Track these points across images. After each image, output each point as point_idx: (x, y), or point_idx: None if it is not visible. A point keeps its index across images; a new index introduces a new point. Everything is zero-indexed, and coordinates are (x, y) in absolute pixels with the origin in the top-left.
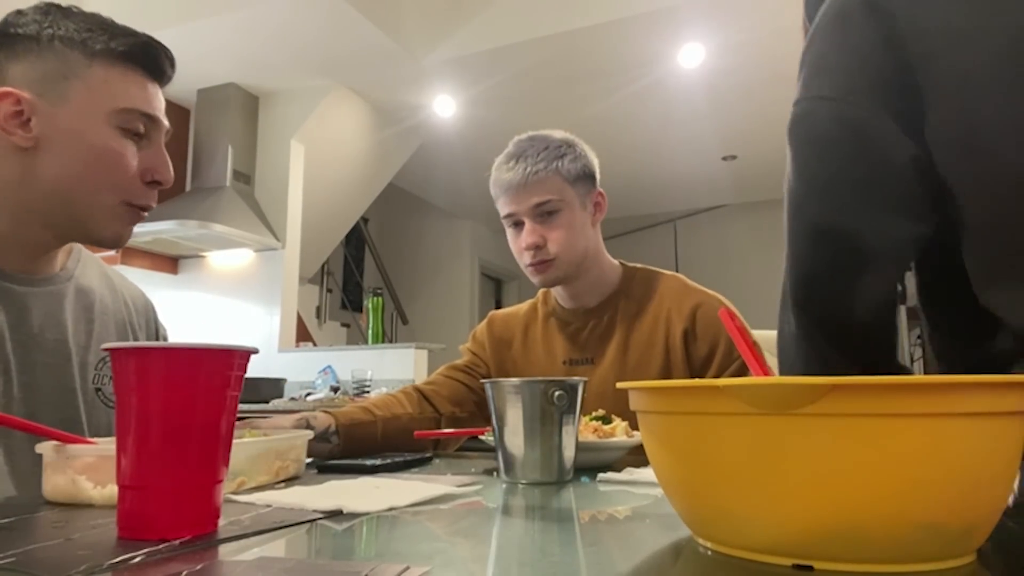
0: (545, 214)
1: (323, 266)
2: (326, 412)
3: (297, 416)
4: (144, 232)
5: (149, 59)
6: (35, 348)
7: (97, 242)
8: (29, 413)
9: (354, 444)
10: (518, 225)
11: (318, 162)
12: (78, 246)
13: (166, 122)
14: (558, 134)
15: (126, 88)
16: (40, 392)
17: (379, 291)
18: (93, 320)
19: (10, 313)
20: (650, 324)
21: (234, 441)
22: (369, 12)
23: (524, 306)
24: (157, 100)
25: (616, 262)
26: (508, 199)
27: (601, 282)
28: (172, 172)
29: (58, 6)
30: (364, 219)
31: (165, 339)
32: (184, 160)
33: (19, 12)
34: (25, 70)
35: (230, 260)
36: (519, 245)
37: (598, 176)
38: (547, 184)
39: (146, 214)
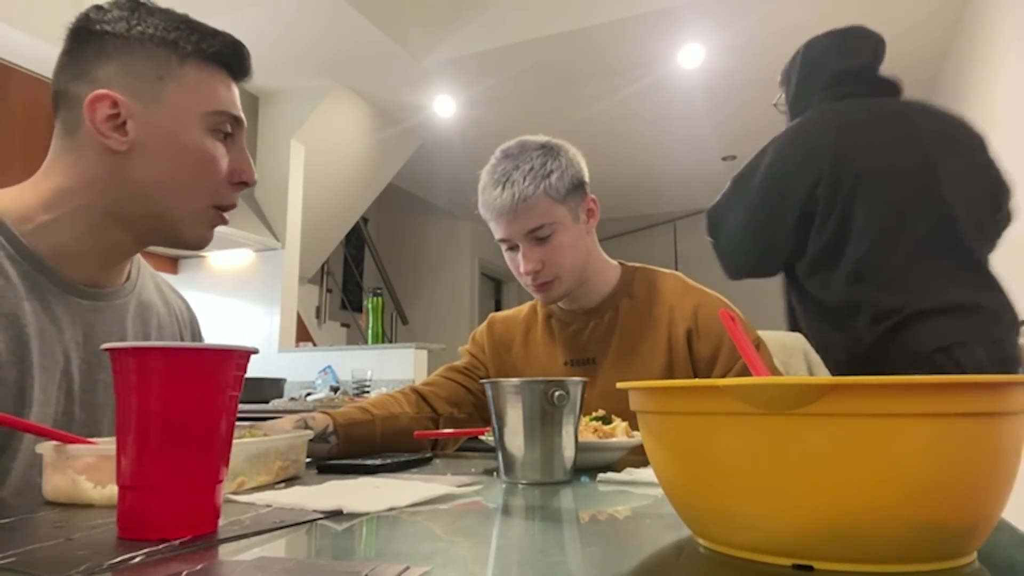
0: (539, 238)
1: (323, 266)
2: (324, 412)
3: (296, 417)
4: None
5: (237, 60)
6: (97, 366)
7: (181, 244)
8: (91, 434)
9: (352, 444)
10: (514, 248)
11: (318, 162)
12: (140, 257)
13: (246, 122)
14: (539, 141)
15: (216, 89)
16: (100, 411)
17: (379, 291)
18: (150, 335)
19: (78, 330)
20: (652, 323)
21: (234, 441)
22: (369, 12)
23: (524, 308)
24: (238, 100)
25: (615, 262)
26: (499, 225)
27: (600, 283)
28: (255, 171)
29: (140, 2)
30: (364, 219)
31: (198, 336)
32: None
33: (100, 8)
34: (118, 70)
35: (230, 260)
36: (517, 268)
37: (587, 181)
38: (537, 209)
39: (227, 218)
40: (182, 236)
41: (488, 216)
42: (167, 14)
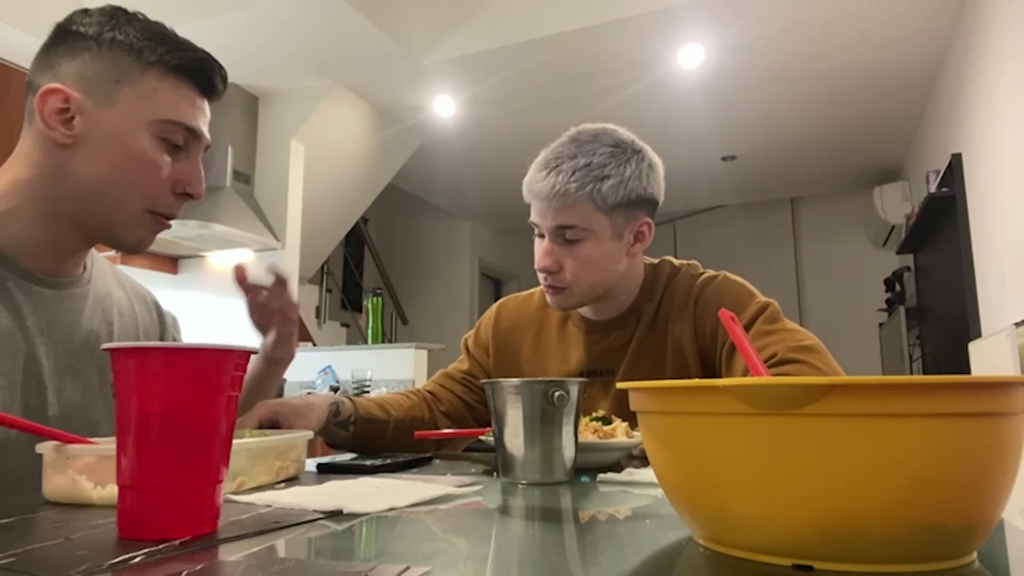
0: (567, 239)
1: (323, 266)
2: (351, 399)
3: (331, 399)
4: None
5: (202, 75)
6: (66, 352)
7: (120, 246)
8: (63, 418)
9: (364, 439)
10: (540, 237)
11: (318, 162)
12: (93, 249)
13: (208, 137)
14: (620, 137)
15: (174, 101)
16: (71, 396)
17: (379, 291)
18: (112, 323)
19: (39, 317)
20: (660, 327)
21: (234, 441)
22: (369, 12)
23: (535, 299)
24: (202, 115)
25: (642, 265)
26: (534, 208)
27: (625, 297)
28: (204, 186)
29: (124, 11)
30: (364, 219)
31: (175, 325)
32: None
33: (85, 11)
34: (78, 68)
35: (230, 260)
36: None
37: (655, 201)
38: (575, 209)
39: (171, 224)
40: (118, 237)
41: (527, 195)
42: (146, 26)
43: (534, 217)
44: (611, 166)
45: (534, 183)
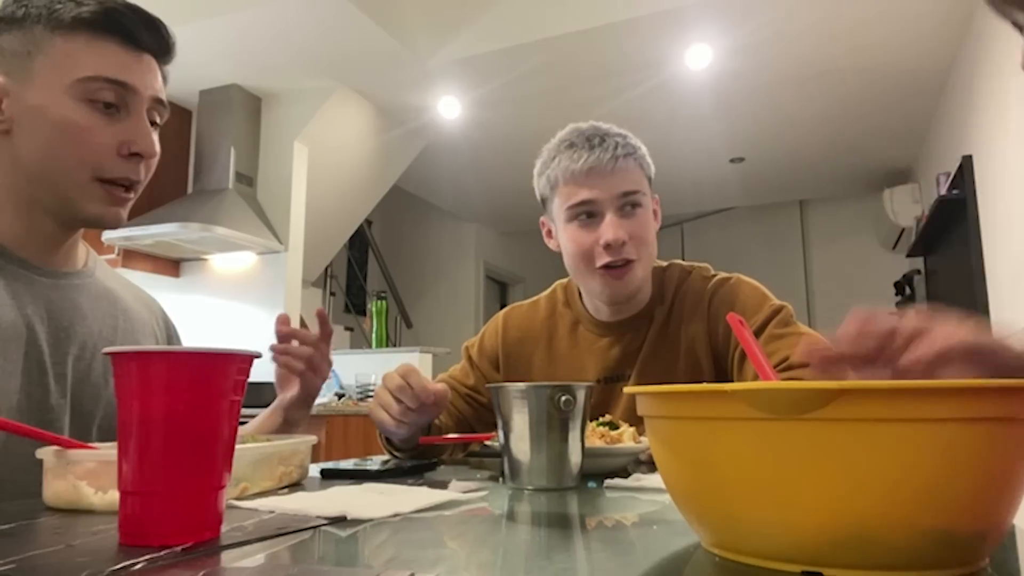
0: (629, 206)
1: (326, 269)
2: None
3: (442, 387)
4: (145, 235)
5: (116, 25)
6: (67, 340)
7: (86, 223)
8: (65, 405)
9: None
10: (592, 216)
11: (321, 164)
12: (92, 251)
13: (150, 92)
14: (615, 130)
15: (91, 57)
16: (76, 386)
17: (383, 294)
18: (118, 316)
19: (39, 304)
20: (673, 330)
21: (237, 446)
22: (373, 12)
23: (541, 305)
24: (136, 68)
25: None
26: (586, 184)
27: (639, 296)
28: (156, 144)
29: None
30: (368, 221)
31: (176, 337)
32: (186, 162)
33: None
34: None
35: (232, 263)
36: (592, 239)
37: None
38: (634, 174)
39: (129, 195)
40: (79, 213)
41: (566, 177)
42: None
43: (587, 194)
44: (638, 142)
45: (583, 159)
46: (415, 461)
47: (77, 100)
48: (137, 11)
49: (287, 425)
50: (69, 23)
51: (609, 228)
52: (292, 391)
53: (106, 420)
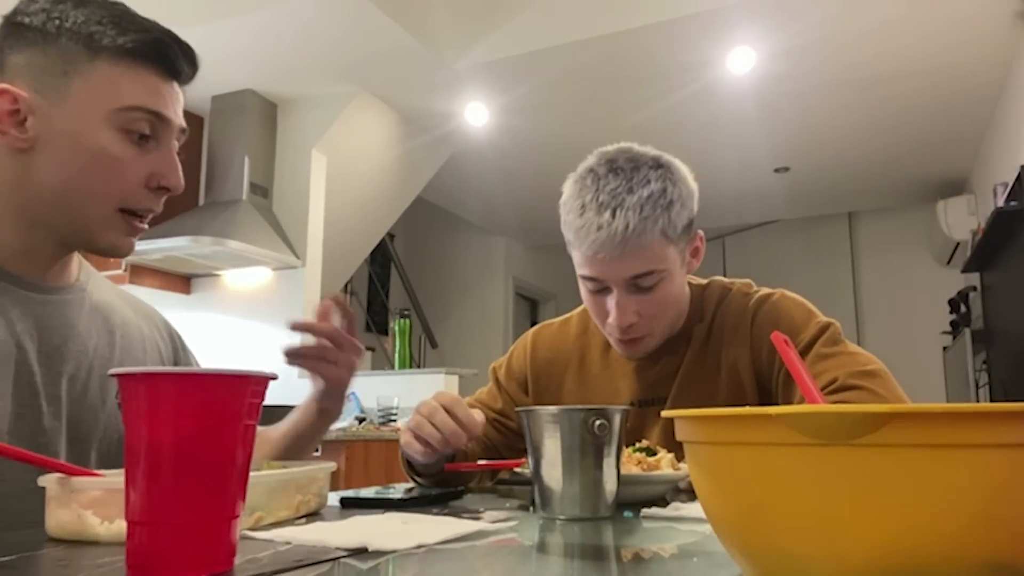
0: (641, 287)
1: (346, 285)
2: None
3: (482, 418)
4: (154, 249)
5: (160, 56)
6: (59, 359)
7: (98, 251)
8: (60, 428)
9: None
10: (603, 291)
11: (341, 174)
12: (86, 263)
13: (180, 121)
14: (652, 154)
15: (131, 85)
16: (70, 407)
17: (406, 312)
18: (114, 332)
19: (28, 322)
20: (713, 350)
21: (252, 473)
22: (396, 13)
23: (573, 325)
24: (169, 98)
25: (687, 283)
26: (592, 261)
27: (679, 318)
28: (182, 178)
29: None
30: (390, 235)
31: (185, 348)
32: (197, 172)
33: None
34: (26, 63)
35: (247, 279)
36: (601, 310)
37: (696, 210)
38: (649, 251)
39: (145, 224)
40: (93, 242)
41: (578, 243)
42: (100, 8)
43: (592, 271)
44: (670, 188)
45: (593, 230)
46: (439, 489)
47: (113, 129)
48: (179, 41)
49: (322, 416)
50: (114, 50)
51: (616, 309)
52: (319, 382)
53: (104, 443)
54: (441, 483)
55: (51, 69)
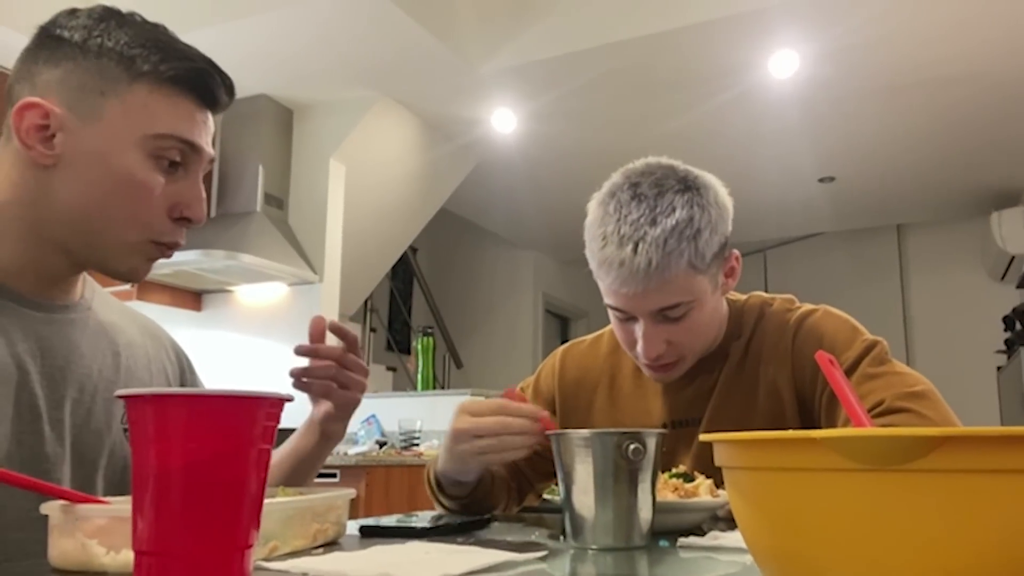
0: (671, 317)
1: (366, 302)
2: None
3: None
4: (163, 264)
5: (201, 86)
6: (63, 381)
7: (112, 275)
8: (63, 453)
9: (480, 495)
10: (629, 319)
11: (361, 184)
12: (91, 279)
13: (210, 151)
14: (679, 173)
15: (169, 114)
16: (74, 431)
17: (429, 330)
18: (120, 354)
19: (31, 342)
20: (751, 367)
21: (266, 500)
22: (418, 14)
23: (604, 343)
24: (203, 128)
25: (724, 299)
26: (617, 293)
27: (716, 338)
28: (205, 210)
29: (117, 13)
30: (413, 248)
31: (192, 371)
32: (208, 182)
33: (73, 12)
34: (60, 78)
35: (261, 295)
36: (629, 338)
37: (731, 229)
38: (675, 283)
39: (172, 254)
40: (111, 266)
41: (600, 275)
42: (140, 31)
43: (618, 302)
44: (697, 216)
45: (615, 264)
46: (464, 517)
47: (144, 154)
48: (220, 72)
49: (326, 440)
50: (154, 76)
51: (643, 340)
52: (324, 405)
53: (110, 469)
54: (469, 508)
55: (87, 87)
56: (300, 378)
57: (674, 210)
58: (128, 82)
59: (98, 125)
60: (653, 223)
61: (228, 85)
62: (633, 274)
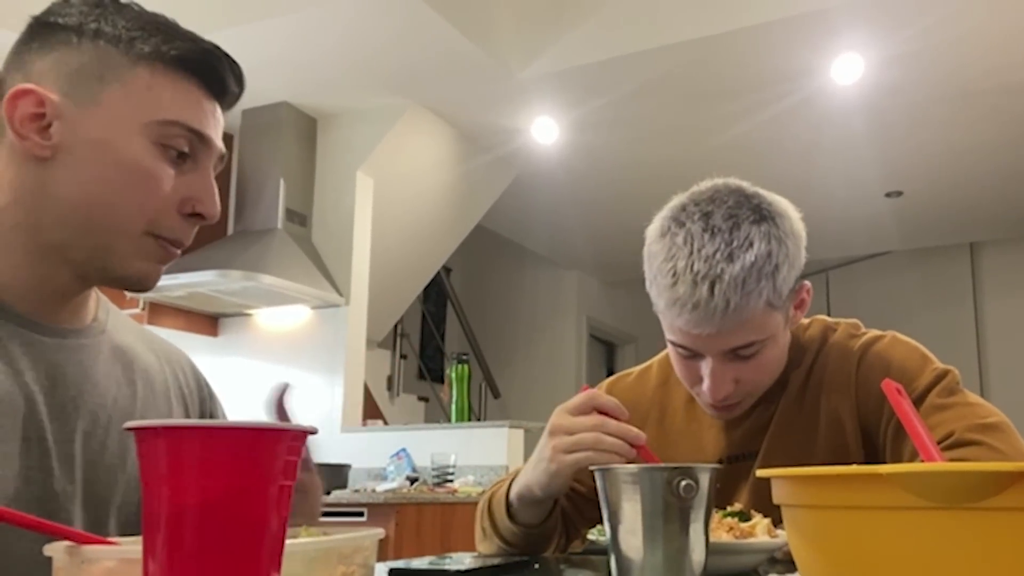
0: (742, 356)
1: (396, 327)
2: None
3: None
4: (177, 285)
5: (207, 69)
6: (74, 413)
7: (120, 281)
8: (73, 492)
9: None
10: (694, 356)
11: (390, 199)
12: (105, 298)
13: (220, 145)
14: (753, 201)
15: (174, 98)
16: (85, 468)
17: (465, 357)
18: (135, 382)
19: (40, 371)
20: (811, 398)
21: (288, 541)
22: (453, 16)
23: (653, 374)
24: (212, 119)
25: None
26: (685, 332)
27: (779, 371)
28: (218, 205)
29: (115, 0)
30: (446, 269)
31: (213, 398)
32: (226, 196)
33: (66, 1)
34: (55, 63)
35: (282, 319)
36: (692, 376)
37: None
38: (751, 323)
39: (179, 252)
40: (117, 269)
41: (672, 315)
42: (141, 16)
43: (686, 341)
44: (776, 249)
45: (687, 307)
46: (504, 558)
47: (149, 141)
48: (228, 58)
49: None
50: (156, 57)
51: (710, 379)
52: None
53: (125, 508)
54: (532, 543)
55: (84, 71)
56: None
57: (751, 245)
58: (129, 65)
59: (97, 111)
60: (730, 259)
61: (237, 73)
62: (709, 316)
